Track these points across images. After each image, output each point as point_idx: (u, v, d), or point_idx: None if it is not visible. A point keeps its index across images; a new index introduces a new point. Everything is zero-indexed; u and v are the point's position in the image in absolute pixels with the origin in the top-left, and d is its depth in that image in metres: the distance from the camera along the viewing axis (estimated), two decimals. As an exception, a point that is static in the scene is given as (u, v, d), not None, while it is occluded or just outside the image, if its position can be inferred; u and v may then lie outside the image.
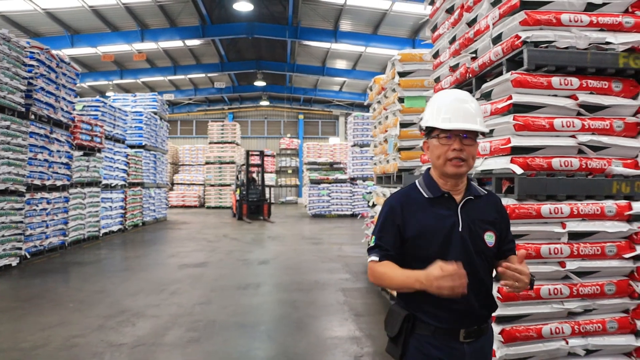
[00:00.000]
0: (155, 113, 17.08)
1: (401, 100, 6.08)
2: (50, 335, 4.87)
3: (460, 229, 1.87)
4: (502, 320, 3.12)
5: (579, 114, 3.26)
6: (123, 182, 14.33)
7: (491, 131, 3.45)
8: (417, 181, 2.04)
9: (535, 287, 3.12)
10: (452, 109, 1.87)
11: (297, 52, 22.75)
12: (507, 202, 3.14)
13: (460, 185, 1.94)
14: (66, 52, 18.12)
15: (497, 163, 3.31)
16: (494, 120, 3.41)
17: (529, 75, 3.21)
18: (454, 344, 1.85)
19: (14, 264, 8.44)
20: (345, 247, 11.11)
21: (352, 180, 20.48)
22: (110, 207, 13.32)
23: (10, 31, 8.60)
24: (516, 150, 3.19)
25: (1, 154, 8.05)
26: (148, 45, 20.67)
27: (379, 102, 7.50)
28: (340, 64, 24.42)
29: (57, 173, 10.02)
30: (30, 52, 8.97)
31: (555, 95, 3.26)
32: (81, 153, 11.30)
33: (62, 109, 10.19)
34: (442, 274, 1.63)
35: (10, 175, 8.24)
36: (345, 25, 19.43)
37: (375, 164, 7.97)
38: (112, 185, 13.50)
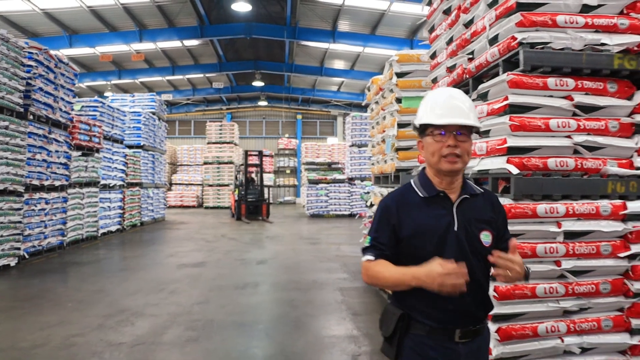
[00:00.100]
0: (153, 113, 17.08)
1: (399, 100, 6.11)
2: (49, 334, 4.89)
3: (455, 229, 1.86)
4: (498, 318, 3.15)
5: (574, 114, 3.30)
6: (121, 182, 14.33)
7: (487, 131, 3.49)
8: (412, 180, 2.03)
9: (531, 285, 3.16)
10: (445, 105, 1.87)
11: (295, 53, 22.78)
12: (504, 201, 3.17)
13: (455, 184, 1.93)
14: (64, 52, 18.11)
15: (493, 163, 3.34)
16: (490, 120, 3.44)
17: (525, 76, 3.24)
18: (449, 344, 1.83)
19: (12, 264, 8.45)
20: (343, 247, 11.14)
21: (350, 180, 20.52)
22: (109, 207, 13.33)
23: (8, 31, 8.61)
24: (512, 151, 3.22)
25: (0, 154, 8.06)
26: (146, 46, 20.68)
27: (376, 102, 7.53)
28: (339, 64, 24.45)
29: (55, 173, 10.03)
30: (29, 53, 8.98)
31: (551, 96, 3.29)
32: (79, 153, 11.31)
33: (61, 109, 10.20)
34: (445, 271, 1.64)
35: (8, 175, 8.25)
36: (343, 26, 19.46)
37: (373, 164, 8.00)
38: (111, 185, 13.51)
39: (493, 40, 3.56)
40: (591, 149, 3.28)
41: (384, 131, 6.89)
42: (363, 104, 9.68)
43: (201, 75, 25.97)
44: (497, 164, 3.29)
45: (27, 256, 8.94)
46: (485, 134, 3.54)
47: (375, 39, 19.52)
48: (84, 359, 4.29)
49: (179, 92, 28.93)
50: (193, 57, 23.48)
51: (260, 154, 19.83)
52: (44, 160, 9.56)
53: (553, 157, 3.23)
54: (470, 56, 3.99)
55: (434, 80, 4.93)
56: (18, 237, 8.64)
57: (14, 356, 4.33)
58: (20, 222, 8.65)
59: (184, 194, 26.63)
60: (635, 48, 3.26)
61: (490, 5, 3.65)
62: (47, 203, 9.63)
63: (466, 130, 1.86)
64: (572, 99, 3.26)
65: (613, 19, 3.27)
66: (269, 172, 29.80)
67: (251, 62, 24.64)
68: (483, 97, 3.65)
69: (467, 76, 4.03)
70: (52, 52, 9.94)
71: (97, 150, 12.35)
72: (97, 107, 12.93)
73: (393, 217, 1.90)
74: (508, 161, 3.19)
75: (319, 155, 25.03)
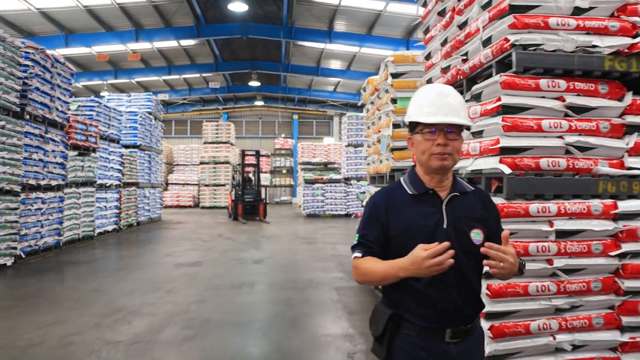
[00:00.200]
0: (149, 113, 17.09)
1: (394, 101, 6.15)
2: (46, 333, 4.92)
3: (445, 226, 1.83)
4: (491, 316, 3.20)
5: (566, 115, 3.34)
6: (118, 182, 14.33)
7: (481, 132, 3.54)
8: (401, 178, 2.01)
9: (523, 284, 3.21)
10: (435, 103, 1.85)
11: (292, 53, 22.80)
12: (496, 201, 3.21)
13: (445, 182, 1.91)
14: (60, 52, 18.11)
15: (486, 163, 3.39)
16: (483, 121, 3.49)
17: (517, 78, 3.29)
18: (439, 345, 1.81)
19: (9, 263, 8.46)
20: (339, 246, 11.18)
21: (346, 180, 20.56)
22: (105, 207, 13.33)
23: (4, 31, 8.61)
24: (505, 151, 3.27)
25: (-4, 154, 8.08)
26: (142, 45, 20.66)
27: (372, 102, 7.58)
28: (335, 65, 24.48)
29: (52, 173, 10.04)
30: (25, 52, 8.98)
31: (543, 97, 3.34)
32: (76, 153, 11.32)
33: (57, 109, 10.21)
34: (428, 254, 1.63)
35: (5, 175, 8.26)
36: (339, 26, 19.49)
37: (368, 164, 8.04)
38: (107, 185, 13.51)
39: (486, 42, 3.60)
40: (583, 149, 3.33)
41: (379, 131, 6.93)
42: (359, 104, 9.73)
43: (197, 75, 25.96)
44: (490, 164, 3.33)
45: (23, 256, 8.95)
46: (478, 134, 3.59)
47: (371, 39, 19.55)
48: (81, 357, 4.32)
49: (176, 91, 28.90)
50: (189, 57, 23.47)
51: (258, 154, 19.82)
52: (41, 160, 9.57)
53: (545, 157, 3.28)
54: (465, 57, 4.04)
55: (429, 81, 4.97)
56: (14, 236, 8.64)
57: (11, 354, 4.36)
58: (16, 221, 8.66)
59: (180, 194, 26.61)
60: (626, 50, 3.30)
61: (483, 7, 3.69)
62: (43, 203, 9.64)
63: (456, 128, 1.84)
64: (564, 100, 3.31)
65: (604, 22, 3.31)
66: (266, 172, 29.83)
67: (247, 62, 24.65)
68: (476, 97, 3.70)
69: (461, 77, 4.08)
70: (49, 51, 9.95)
71: (94, 150, 12.36)
72: (93, 106, 12.94)
73: (381, 215, 1.89)
74: (501, 161, 3.24)
75: (315, 155, 25.06)
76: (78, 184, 11.44)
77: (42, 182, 9.62)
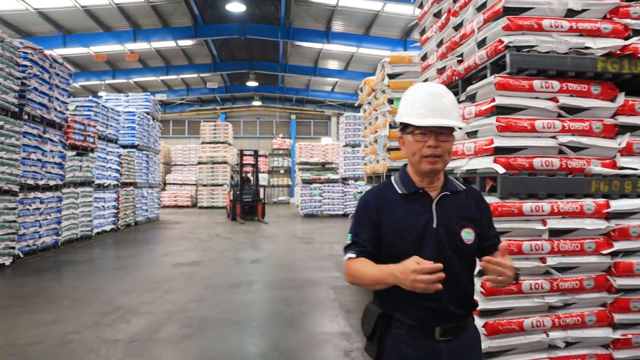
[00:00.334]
0: (147, 113, 17.11)
1: (391, 101, 6.21)
2: (45, 332, 4.95)
3: (434, 226, 1.81)
4: (485, 313, 3.24)
5: (559, 115, 3.39)
6: (116, 182, 14.36)
7: (475, 132, 3.59)
8: (392, 177, 1.97)
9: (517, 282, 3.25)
10: (425, 103, 1.80)
11: (290, 53, 22.85)
12: (490, 200, 3.27)
13: (436, 182, 1.88)
14: (58, 52, 18.11)
15: (481, 163, 3.44)
16: (478, 121, 3.54)
17: (511, 79, 3.34)
18: (430, 343, 1.79)
19: (7, 263, 8.48)
20: (336, 246, 11.21)
21: (344, 180, 20.59)
22: (103, 206, 13.35)
23: (2, 31, 8.64)
24: (499, 151, 3.32)
25: (-5, 154, 8.11)
26: (140, 46, 20.70)
27: (369, 103, 7.63)
28: (333, 65, 24.54)
29: (50, 173, 10.07)
30: (24, 53, 9.01)
31: (537, 98, 3.39)
32: (74, 153, 11.34)
33: (55, 109, 10.23)
34: (418, 269, 1.58)
35: (3, 174, 8.29)
36: (337, 26, 19.55)
37: (365, 164, 8.10)
38: (105, 185, 13.54)
39: (481, 43, 3.65)
40: (576, 149, 3.38)
41: (376, 131, 6.98)
42: (356, 105, 9.78)
43: (195, 75, 26.00)
44: (484, 163, 3.38)
45: (21, 255, 8.98)
46: (473, 134, 3.64)
47: (369, 39, 19.61)
48: (80, 355, 4.35)
49: (173, 92, 28.94)
50: (187, 57, 23.51)
51: (256, 154, 19.78)
52: (39, 160, 9.59)
53: (539, 157, 3.33)
54: (460, 58, 4.10)
55: (425, 82, 5.03)
56: (13, 236, 8.67)
57: (11, 352, 4.39)
58: (15, 221, 8.68)
59: (178, 194, 26.63)
60: (618, 52, 3.36)
61: (478, 9, 3.75)
62: (41, 202, 9.66)
63: (447, 129, 1.81)
64: (557, 101, 3.36)
65: (597, 24, 3.37)
66: (263, 172, 29.84)
67: (245, 62, 24.69)
68: (471, 98, 3.76)
69: (457, 78, 4.13)
70: (46, 51, 9.97)
71: (92, 150, 12.38)
72: (91, 107, 12.96)
73: (373, 214, 1.87)
74: (495, 161, 3.29)
75: (313, 155, 25.11)
76: (76, 184, 11.47)
77: (41, 182, 9.65)
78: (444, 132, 1.80)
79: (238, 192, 18.61)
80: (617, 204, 3.38)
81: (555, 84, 3.37)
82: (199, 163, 25.98)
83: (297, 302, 6.27)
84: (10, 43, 8.59)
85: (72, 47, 19.25)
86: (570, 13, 3.40)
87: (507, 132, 3.31)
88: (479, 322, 3.19)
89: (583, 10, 3.40)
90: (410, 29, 18.20)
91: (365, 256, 1.84)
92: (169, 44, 21.11)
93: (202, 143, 26.26)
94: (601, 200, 3.38)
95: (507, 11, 3.36)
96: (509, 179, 3.28)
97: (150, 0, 17.15)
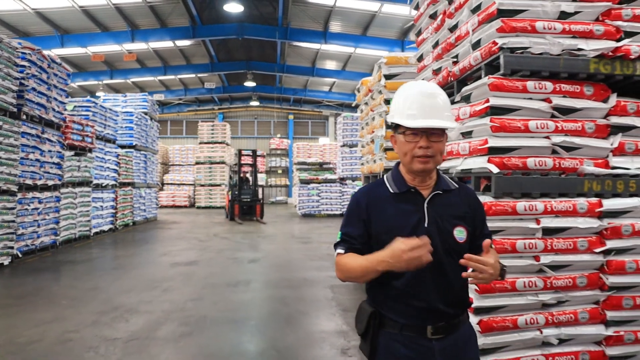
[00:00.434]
0: (145, 113, 17.12)
1: (387, 102, 6.26)
2: (45, 330, 4.99)
3: (426, 225, 1.81)
4: (479, 311, 3.30)
5: (552, 116, 3.45)
6: (114, 182, 14.39)
7: (470, 132, 3.64)
8: (385, 176, 1.97)
9: (511, 279, 3.30)
10: (417, 103, 1.79)
11: (287, 53, 22.88)
12: (485, 199, 3.32)
13: (428, 181, 1.89)
14: (56, 52, 18.12)
15: (475, 163, 3.49)
16: (472, 122, 3.59)
17: (505, 80, 3.39)
18: (422, 341, 1.79)
19: (5, 262, 8.51)
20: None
21: (342, 180, 20.64)
22: (101, 206, 13.38)
23: (0, 31, 8.66)
24: (493, 151, 3.37)
25: (-7, 154, 8.14)
26: (138, 46, 20.70)
27: (366, 103, 7.68)
28: (330, 65, 24.56)
29: (48, 173, 10.09)
30: (22, 53, 9.04)
31: (530, 99, 3.44)
32: (72, 153, 11.36)
33: (54, 109, 10.26)
34: (408, 247, 1.61)
35: (2, 174, 8.32)
36: (334, 27, 19.58)
37: (362, 164, 8.15)
38: (103, 185, 13.56)
39: (476, 45, 3.70)
40: (568, 149, 3.43)
41: (373, 132, 7.03)
42: (353, 105, 9.83)
43: (193, 75, 26.00)
44: (479, 163, 3.43)
45: (20, 255, 9.00)
46: (468, 134, 3.69)
47: (366, 39, 19.63)
48: (80, 353, 4.39)
49: (171, 92, 28.94)
50: (185, 57, 23.52)
51: (255, 154, 19.73)
52: (37, 160, 9.62)
53: (532, 157, 3.38)
54: (455, 59, 4.15)
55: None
56: (11, 236, 8.70)
57: (11, 351, 4.43)
58: (13, 221, 8.71)
59: (175, 194, 26.64)
60: (610, 53, 3.41)
61: (473, 11, 3.79)
62: (40, 202, 9.69)
63: (439, 130, 1.81)
64: (550, 102, 3.41)
65: (589, 26, 3.42)
66: (261, 172, 29.86)
67: (243, 62, 24.69)
68: (466, 99, 3.81)
69: (452, 79, 4.18)
70: (44, 52, 10.00)
71: (90, 150, 12.41)
72: (89, 107, 12.98)
73: (363, 212, 1.88)
74: (489, 161, 3.34)
75: (311, 155, 25.15)
76: (74, 184, 11.50)
77: (39, 182, 9.68)
78: (436, 133, 1.80)
79: (236, 192, 18.55)
80: (609, 203, 3.44)
81: (549, 85, 3.42)
82: (197, 163, 26.00)
83: (295, 301, 6.32)
84: (9, 43, 8.62)
85: (69, 47, 19.23)
86: (564, 15, 3.45)
87: (501, 132, 3.36)
88: (473, 319, 3.24)
89: (576, 13, 3.45)
90: (408, 30, 18.23)
91: (353, 252, 1.85)
92: (166, 44, 21.11)
93: (200, 143, 26.28)
94: (594, 200, 3.43)
95: (501, 13, 3.41)
96: (503, 179, 3.33)
97: (148, 0, 17.17)
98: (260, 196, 19.20)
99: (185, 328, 5.11)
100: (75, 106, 12.72)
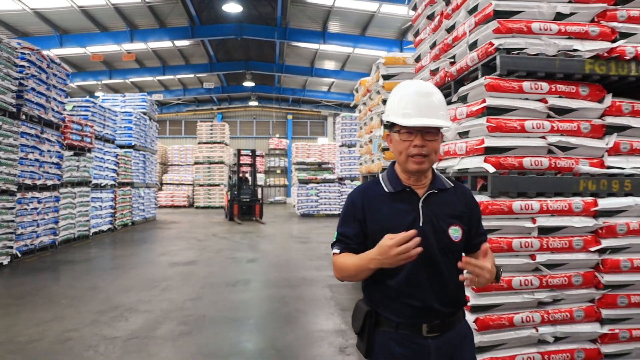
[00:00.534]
0: (144, 113, 17.14)
1: (385, 102, 6.28)
2: (45, 330, 5.01)
3: (421, 224, 1.81)
4: (476, 309, 3.33)
5: (548, 116, 3.48)
6: (113, 182, 14.41)
7: (467, 132, 3.67)
8: (380, 175, 1.98)
9: (507, 278, 3.34)
10: (412, 102, 1.79)
11: (286, 53, 22.90)
12: (481, 199, 3.35)
13: (424, 180, 1.89)
14: (55, 52, 18.13)
15: (472, 162, 3.52)
16: (469, 122, 3.62)
17: (501, 80, 3.42)
18: (417, 340, 1.80)
19: (5, 262, 8.53)
20: (333, 245, 11.27)
21: (340, 180, 20.66)
22: (100, 206, 13.40)
23: None
24: (489, 150, 3.40)
25: (-7, 154, 8.16)
26: (137, 46, 20.70)
27: (364, 103, 7.71)
28: (329, 65, 24.58)
29: (47, 173, 10.12)
30: (22, 53, 9.06)
31: (527, 99, 3.47)
32: (71, 153, 11.39)
33: (53, 109, 10.28)
34: (395, 242, 1.62)
35: (1, 174, 8.34)
36: (333, 27, 19.60)
37: (361, 163, 8.17)
38: (102, 185, 13.58)
39: (473, 46, 3.74)
40: (564, 149, 3.46)
41: (371, 132, 7.06)
42: (352, 105, 9.85)
43: (192, 75, 26.01)
44: (475, 163, 3.47)
45: (19, 255, 9.03)
46: (464, 134, 3.72)
47: (365, 40, 19.64)
48: (79, 352, 4.42)
49: (170, 92, 28.93)
50: (184, 57, 23.53)
51: (254, 154, 19.70)
52: (37, 160, 9.65)
53: (528, 157, 3.41)
54: (452, 60, 4.18)
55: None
56: (11, 236, 8.72)
57: (11, 350, 4.45)
58: (12, 221, 8.73)
59: (174, 194, 26.63)
60: (606, 54, 3.45)
61: (470, 12, 3.83)
62: (39, 202, 9.72)
63: (434, 129, 1.81)
64: (546, 102, 3.45)
65: (585, 27, 3.45)
66: (260, 172, 29.87)
67: (242, 62, 24.70)
68: (463, 99, 3.84)
69: (449, 79, 4.22)
70: (43, 52, 10.01)
71: (89, 150, 12.43)
72: (88, 107, 13.00)
73: (359, 212, 1.89)
74: (485, 160, 3.37)
75: (310, 155, 25.18)
76: (73, 184, 11.52)
77: (38, 182, 9.70)
78: (431, 132, 1.80)
79: (236, 192, 18.51)
80: (604, 203, 3.47)
81: (545, 86, 3.45)
82: (196, 163, 26.01)
83: (294, 300, 6.35)
84: (8, 43, 8.64)
85: (68, 47, 19.23)
86: (559, 16, 3.48)
87: (497, 132, 3.39)
88: (470, 317, 3.27)
89: (572, 14, 3.49)
90: (406, 30, 18.12)
91: (349, 252, 1.87)
92: (165, 44, 21.12)
93: (199, 143, 26.30)
94: (589, 199, 3.46)
95: (498, 14, 3.45)
96: (499, 178, 3.36)
97: (147, 0, 17.18)
98: (259, 196, 19.17)
99: (184, 327, 5.14)
100: (74, 106, 12.74)
